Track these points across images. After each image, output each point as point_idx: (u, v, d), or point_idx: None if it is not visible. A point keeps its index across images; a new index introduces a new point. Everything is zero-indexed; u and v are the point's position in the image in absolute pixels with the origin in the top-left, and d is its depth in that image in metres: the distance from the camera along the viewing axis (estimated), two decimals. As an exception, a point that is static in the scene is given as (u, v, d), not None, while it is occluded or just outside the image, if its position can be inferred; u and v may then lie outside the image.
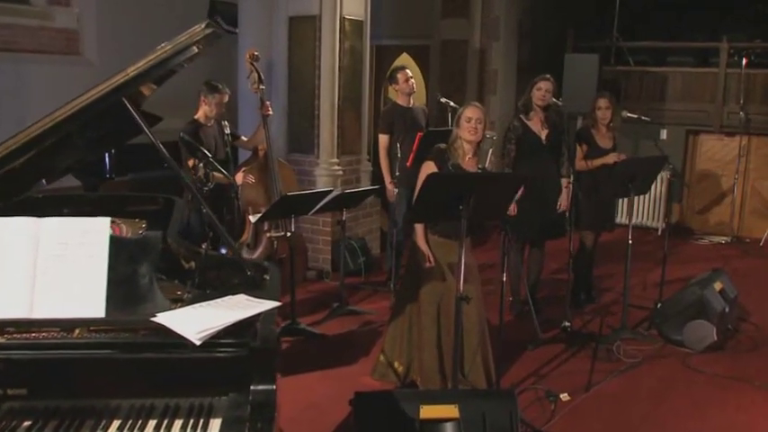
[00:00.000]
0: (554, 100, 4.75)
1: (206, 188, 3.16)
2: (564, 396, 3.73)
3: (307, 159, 6.11)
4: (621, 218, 7.99)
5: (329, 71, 5.87)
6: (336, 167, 6.05)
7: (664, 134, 8.08)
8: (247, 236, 4.88)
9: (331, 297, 5.28)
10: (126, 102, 2.28)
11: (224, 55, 6.51)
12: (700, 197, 8.28)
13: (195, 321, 1.99)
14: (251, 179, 4.76)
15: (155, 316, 2.03)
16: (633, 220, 7.80)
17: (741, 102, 7.67)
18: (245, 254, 4.91)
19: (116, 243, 2.14)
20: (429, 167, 3.51)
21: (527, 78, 4.75)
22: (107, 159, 6.43)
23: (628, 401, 3.81)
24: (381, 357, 3.92)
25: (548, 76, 4.75)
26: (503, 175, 3.14)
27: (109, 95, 2.20)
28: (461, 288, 3.18)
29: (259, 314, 2.06)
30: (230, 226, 4.73)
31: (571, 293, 5.33)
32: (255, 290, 2.37)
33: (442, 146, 3.67)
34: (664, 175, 7.53)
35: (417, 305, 3.73)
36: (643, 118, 5.06)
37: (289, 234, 4.59)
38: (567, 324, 4.66)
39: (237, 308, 2.13)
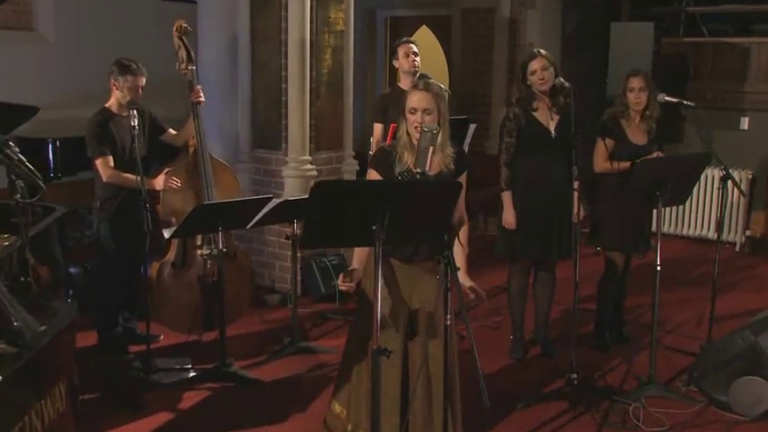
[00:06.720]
0: (560, 80, 4.17)
1: (23, 200, 2.68)
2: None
3: (273, 157, 5.66)
4: (676, 228, 7.33)
5: (297, 47, 5.39)
6: (309, 166, 5.56)
7: (745, 123, 7.27)
8: (172, 254, 4.46)
9: (290, 329, 4.80)
10: None
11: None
12: (791, 203, 7.39)
13: None
14: (175, 183, 4.33)
15: None
16: (693, 232, 7.28)
17: None
18: (172, 275, 4.48)
19: None
20: (372, 177, 3.02)
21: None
22: (51, 156, 6.19)
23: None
24: (335, 407, 3.41)
25: (537, 51, 4.20)
26: (426, 185, 2.58)
27: None
28: (378, 338, 2.64)
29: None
30: (153, 240, 4.31)
31: (595, 331, 4.73)
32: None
33: (387, 146, 3.18)
34: (716, 174, 6.74)
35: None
36: (686, 103, 4.35)
37: (215, 252, 4.15)
38: (572, 376, 4.01)
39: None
